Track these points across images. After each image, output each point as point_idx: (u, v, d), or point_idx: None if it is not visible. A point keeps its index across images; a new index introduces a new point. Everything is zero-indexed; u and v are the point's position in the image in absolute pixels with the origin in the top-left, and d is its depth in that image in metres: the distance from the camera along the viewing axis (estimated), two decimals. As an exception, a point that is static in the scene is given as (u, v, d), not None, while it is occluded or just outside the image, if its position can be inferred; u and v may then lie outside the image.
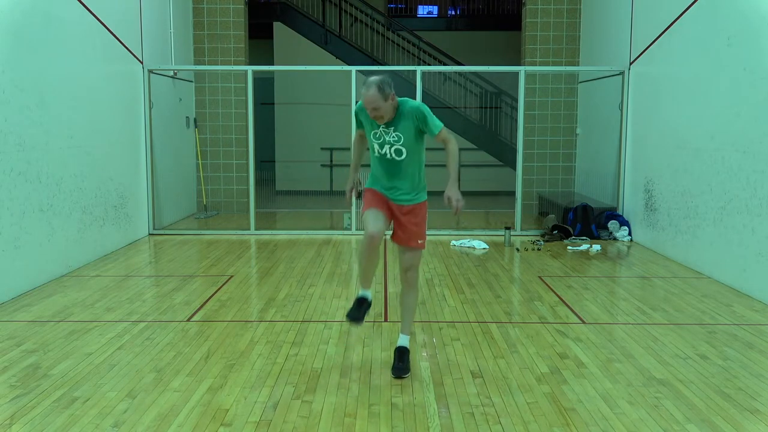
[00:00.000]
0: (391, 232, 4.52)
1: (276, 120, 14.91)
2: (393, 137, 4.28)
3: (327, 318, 5.60)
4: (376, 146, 4.37)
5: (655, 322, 5.48)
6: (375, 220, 4.28)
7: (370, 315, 5.65)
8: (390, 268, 7.50)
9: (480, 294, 6.40)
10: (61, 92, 6.99)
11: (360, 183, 4.69)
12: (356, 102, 9.63)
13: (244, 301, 6.14)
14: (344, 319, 4.61)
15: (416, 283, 4.51)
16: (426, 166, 4.47)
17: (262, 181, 14.01)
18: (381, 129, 4.31)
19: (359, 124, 4.51)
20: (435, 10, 17.39)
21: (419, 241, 4.43)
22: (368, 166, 4.56)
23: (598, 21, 10.91)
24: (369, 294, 4.42)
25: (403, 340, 4.46)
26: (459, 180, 4.40)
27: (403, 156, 4.30)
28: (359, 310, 4.35)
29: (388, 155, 4.33)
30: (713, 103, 7.00)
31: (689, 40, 7.58)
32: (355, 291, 6.48)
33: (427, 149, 4.45)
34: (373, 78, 4.19)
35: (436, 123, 4.28)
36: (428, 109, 4.32)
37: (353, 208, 9.69)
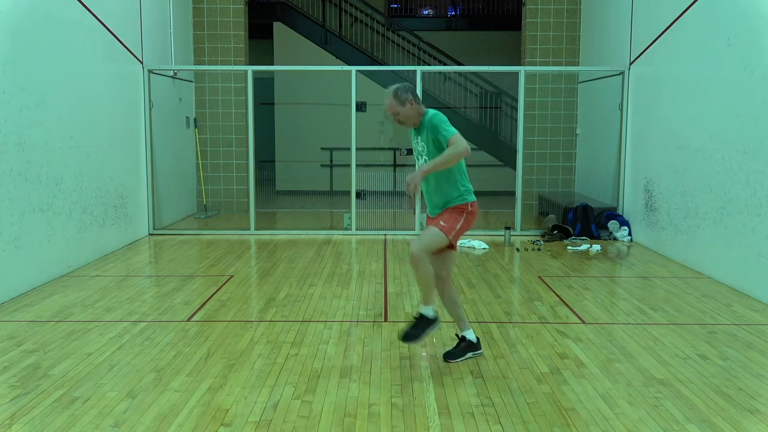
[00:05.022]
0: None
1: (276, 120, 14.91)
2: (421, 146, 4.45)
3: (327, 318, 5.60)
4: (415, 159, 4.55)
5: (655, 322, 5.48)
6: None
7: (371, 315, 5.67)
8: (390, 268, 7.50)
9: (480, 294, 6.40)
10: (61, 92, 6.99)
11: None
12: (355, 102, 9.66)
13: (244, 301, 6.14)
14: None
15: (422, 261, 4.31)
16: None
17: (262, 181, 14.01)
18: (415, 139, 4.48)
19: None
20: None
21: (441, 223, 4.41)
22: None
23: (598, 21, 10.91)
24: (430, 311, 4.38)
25: (421, 308, 4.47)
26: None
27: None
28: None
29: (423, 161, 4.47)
30: (713, 103, 7.00)
31: (689, 40, 7.58)
32: (357, 291, 6.49)
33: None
34: (391, 86, 4.41)
35: (446, 132, 4.26)
36: (441, 118, 4.33)
37: (353, 208, 9.71)
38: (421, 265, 4.32)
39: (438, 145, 4.32)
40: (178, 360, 4.58)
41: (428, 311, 4.43)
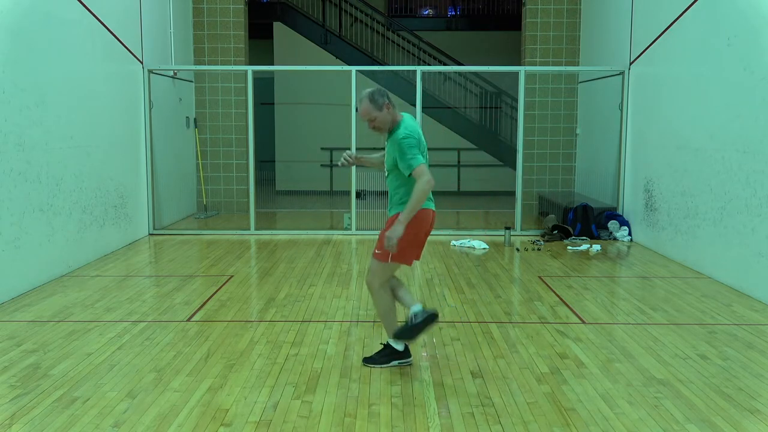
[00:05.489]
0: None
1: (276, 120, 14.91)
2: (388, 151, 4.37)
3: (327, 318, 5.60)
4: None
5: (655, 322, 5.48)
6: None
7: (371, 315, 5.67)
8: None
9: (480, 294, 6.40)
10: (61, 92, 6.99)
11: (353, 158, 4.58)
12: (356, 104, 9.66)
13: (244, 301, 6.14)
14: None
15: (373, 290, 4.45)
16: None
17: (262, 181, 14.01)
18: (385, 141, 4.42)
19: None
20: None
21: (375, 251, 4.38)
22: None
23: (598, 21, 10.91)
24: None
25: (389, 340, 4.53)
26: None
27: (387, 173, 4.40)
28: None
29: (386, 168, 4.43)
30: (713, 103, 7.00)
31: (689, 40, 7.58)
32: (357, 291, 6.49)
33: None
34: (366, 91, 4.36)
35: (409, 163, 4.15)
36: (409, 143, 4.19)
37: (353, 208, 9.71)
38: (375, 295, 4.47)
39: (396, 164, 4.25)
40: (178, 360, 4.58)
41: (396, 343, 4.45)
